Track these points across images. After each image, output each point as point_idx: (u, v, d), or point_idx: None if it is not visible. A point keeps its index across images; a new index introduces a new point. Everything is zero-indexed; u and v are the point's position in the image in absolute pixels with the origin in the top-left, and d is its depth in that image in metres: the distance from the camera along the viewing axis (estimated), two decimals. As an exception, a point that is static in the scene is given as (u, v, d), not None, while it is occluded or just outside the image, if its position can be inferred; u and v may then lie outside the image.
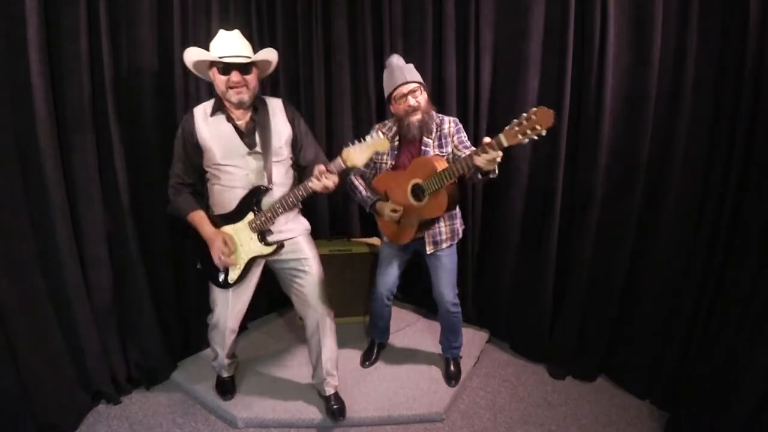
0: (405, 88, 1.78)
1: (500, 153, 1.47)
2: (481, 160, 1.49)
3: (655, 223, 1.94)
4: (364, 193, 1.96)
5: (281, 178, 1.69)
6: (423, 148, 1.85)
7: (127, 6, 1.80)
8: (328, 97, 2.83)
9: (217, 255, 1.62)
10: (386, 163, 1.94)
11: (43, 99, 1.56)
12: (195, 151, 1.66)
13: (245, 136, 1.65)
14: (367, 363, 2.23)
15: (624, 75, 1.92)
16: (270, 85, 2.49)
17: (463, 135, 1.88)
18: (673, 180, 1.86)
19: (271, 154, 1.65)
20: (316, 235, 1.96)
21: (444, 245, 1.92)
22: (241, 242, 1.67)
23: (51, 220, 1.66)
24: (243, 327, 2.39)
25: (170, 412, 1.92)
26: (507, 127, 1.43)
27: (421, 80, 1.83)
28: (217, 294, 1.75)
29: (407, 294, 2.88)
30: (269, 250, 1.67)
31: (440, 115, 1.90)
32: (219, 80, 1.57)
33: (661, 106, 1.86)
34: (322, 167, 1.56)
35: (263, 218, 1.63)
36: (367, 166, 1.99)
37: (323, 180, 1.55)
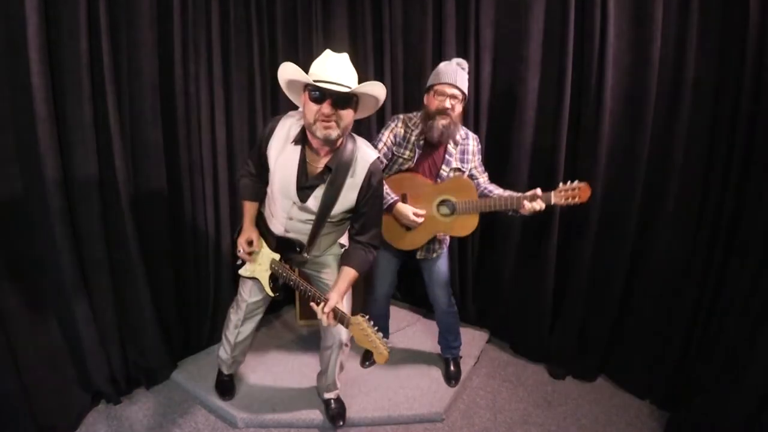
0: (449, 89, 1.72)
1: (544, 206, 1.67)
2: (529, 208, 1.68)
3: (655, 223, 1.95)
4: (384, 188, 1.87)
5: (326, 233, 1.57)
6: (447, 157, 1.83)
7: (127, 6, 1.80)
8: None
9: (239, 247, 1.61)
10: (406, 160, 1.83)
11: (43, 99, 1.55)
12: (263, 158, 1.51)
13: (305, 185, 1.44)
14: (367, 363, 2.23)
15: (624, 75, 1.92)
16: (270, 85, 2.49)
17: (481, 157, 1.94)
18: (673, 180, 1.86)
19: (325, 220, 1.47)
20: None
21: (434, 254, 1.94)
22: (260, 262, 1.62)
23: (50, 220, 1.65)
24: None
25: (170, 412, 1.92)
26: (557, 189, 1.66)
27: (466, 93, 1.78)
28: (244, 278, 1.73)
29: (406, 294, 2.88)
30: (270, 294, 1.63)
31: (464, 128, 1.89)
32: (308, 108, 1.31)
33: (661, 106, 1.86)
34: (332, 305, 1.35)
35: (283, 272, 1.53)
36: (385, 156, 1.88)
37: (326, 318, 1.36)
